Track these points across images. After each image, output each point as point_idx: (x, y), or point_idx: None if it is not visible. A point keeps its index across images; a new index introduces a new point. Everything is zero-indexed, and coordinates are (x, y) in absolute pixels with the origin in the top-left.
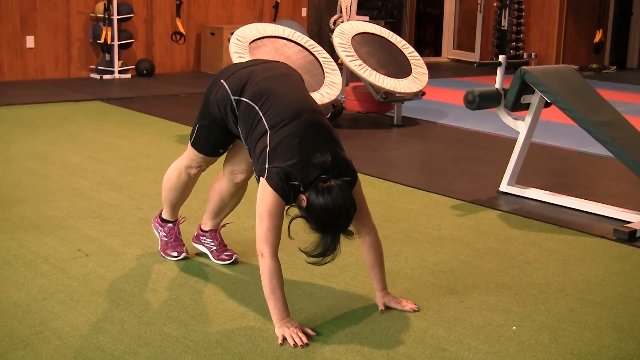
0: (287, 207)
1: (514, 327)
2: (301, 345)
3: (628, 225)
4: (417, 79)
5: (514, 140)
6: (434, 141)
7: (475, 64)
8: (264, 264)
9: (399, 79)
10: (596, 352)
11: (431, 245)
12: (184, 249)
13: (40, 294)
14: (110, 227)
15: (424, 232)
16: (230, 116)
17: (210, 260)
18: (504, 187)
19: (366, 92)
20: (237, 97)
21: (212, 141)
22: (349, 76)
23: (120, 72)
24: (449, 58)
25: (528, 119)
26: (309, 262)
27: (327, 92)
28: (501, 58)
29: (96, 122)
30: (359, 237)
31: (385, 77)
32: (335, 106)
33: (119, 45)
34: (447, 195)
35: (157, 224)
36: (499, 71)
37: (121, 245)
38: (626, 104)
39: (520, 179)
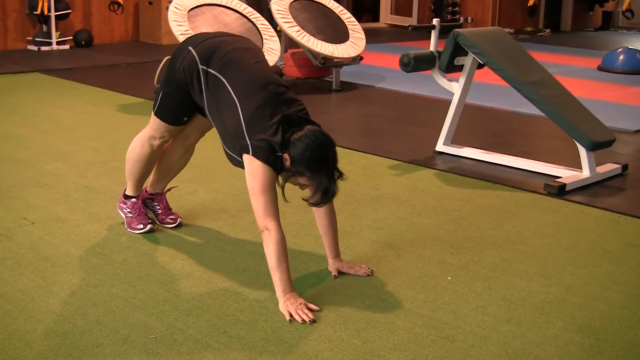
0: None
1: (449, 278)
2: (309, 321)
3: (558, 180)
4: (355, 44)
5: (449, 102)
6: (372, 104)
7: (409, 27)
8: (271, 237)
9: (337, 45)
10: (526, 297)
11: (370, 204)
12: (149, 221)
13: None
14: (55, 195)
15: (362, 192)
16: (196, 83)
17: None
18: (440, 147)
19: (305, 58)
20: (204, 67)
21: (176, 109)
22: (288, 42)
23: (58, 43)
24: (387, 23)
25: (462, 80)
26: (311, 205)
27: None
28: (435, 21)
29: (36, 93)
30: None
31: (323, 42)
32: (275, 72)
33: (56, 16)
34: (385, 156)
35: (121, 204)
36: (433, 34)
37: (66, 212)
38: (560, 66)
39: (455, 139)
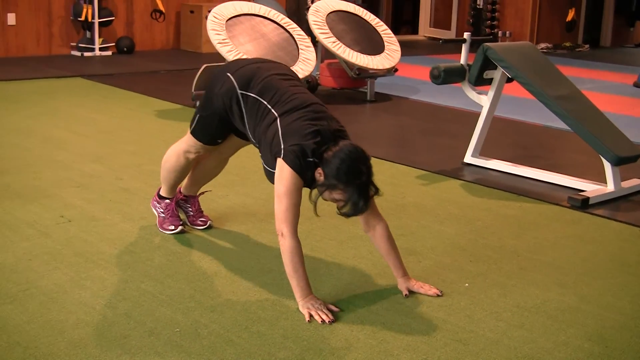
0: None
1: (467, 284)
2: (329, 321)
3: (582, 193)
4: (390, 55)
5: (479, 115)
6: (404, 116)
7: (440, 41)
8: (285, 243)
9: (372, 56)
10: (540, 305)
11: (394, 212)
12: (181, 222)
13: (26, 255)
14: (91, 195)
15: (389, 200)
16: (235, 108)
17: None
18: (467, 158)
19: (340, 69)
20: (243, 92)
21: (212, 132)
22: (324, 53)
23: (100, 49)
24: (425, 36)
25: (491, 93)
26: (341, 215)
27: (301, 69)
28: (466, 35)
29: (77, 97)
30: (367, 229)
31: (359, 53)
32: (310, 82)
33: (99, 22)
34: (414, 166)
35: (155, 202)
36: (464, 48)
37: (102, 212)
38: (595, 81)
39: (484, 151)
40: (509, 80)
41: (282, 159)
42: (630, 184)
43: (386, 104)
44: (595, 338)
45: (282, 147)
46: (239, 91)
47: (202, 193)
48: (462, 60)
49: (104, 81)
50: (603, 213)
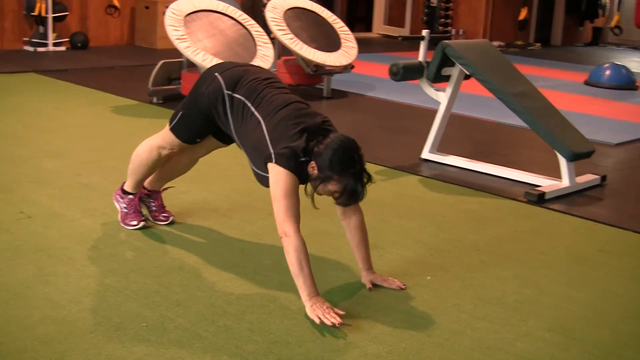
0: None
1: (429, 277)
2: (338, 324)
3: (538, 188)
4: (347, 52)
5: (436, 111)
6: (361, 112)
7: (399, 38)
8: (290, 243)
9: (329, 53)
10: (500, 297)
11: None
12: (143, 218)
13: None
14: (51, 191)
15: None
16: (220, 108)
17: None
18: (425, 154)
19: (297, 65)
20: (229, 92)
21: (193, 130)
22: (281, 50)
23: (54, 44)
24: (379, 33)
25: (448, 90)
26: (339, 204)
27: (259, 65)
28: (424, 32)
29: (32, 93)
30: (342, 217)
31: (316, 50)
32: None
33: (53, 17)
34: (372, 162)
35: (118, 197)
36: (422, 45)
37: (62, 208)
38: (548, 79)
39: (441, 147)
40: (467, 77)
41: (275, 163)
42: (584, 179)
43: (343, 101)
44: (555, 328)
45: (272, 152)
46: (226, 91)
47: (166, 189)
48: (421, 58)
49: (59, 77)
50: (559, 207)
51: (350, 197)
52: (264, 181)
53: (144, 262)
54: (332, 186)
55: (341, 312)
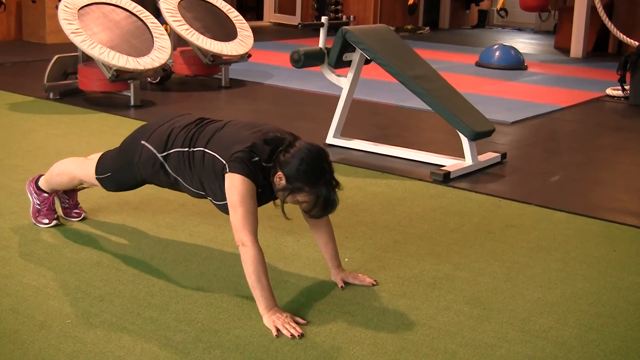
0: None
1: (346, 259)
2: (298, 335)
3: (443, 168)
4: (243, 42)
5: (337, 98)
6: (261, 101)
7: (299, 25)
8: (247, 253)
9: (226, 42)
10: (418, 275)
11: None
12: (56, 216)
13: None
14: None
15: None
16: (161, 172)
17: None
18: (330, 139)
19: (194, 56)
20: (164, 154)
21: (123, 187)
22: (177, 41)
23: None
24: (271, 22)
25: (350, 75)
26: (313, 217)
27: (157, 57)
28: (323, 19)
29: None
30: (306, 217)
31: (212, 40)
32: (165, 70)
33: None
34: None
35: (32, 189)
36: (322, 31)
37: None
38: (440, 62)
39: (345, 132)
40: (367, 62)
41: (229, 172)
42: (485, 157)
43: (241, 90)
44: (473, 301)
45: (224, 162)
46: (159, 155)
47: (83, 188)
48: (321, 44)
49: None
50: (464, 186)
51: (325, 207)
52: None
53: (61, 259)
54: (302, 197)
55: (302, 321)
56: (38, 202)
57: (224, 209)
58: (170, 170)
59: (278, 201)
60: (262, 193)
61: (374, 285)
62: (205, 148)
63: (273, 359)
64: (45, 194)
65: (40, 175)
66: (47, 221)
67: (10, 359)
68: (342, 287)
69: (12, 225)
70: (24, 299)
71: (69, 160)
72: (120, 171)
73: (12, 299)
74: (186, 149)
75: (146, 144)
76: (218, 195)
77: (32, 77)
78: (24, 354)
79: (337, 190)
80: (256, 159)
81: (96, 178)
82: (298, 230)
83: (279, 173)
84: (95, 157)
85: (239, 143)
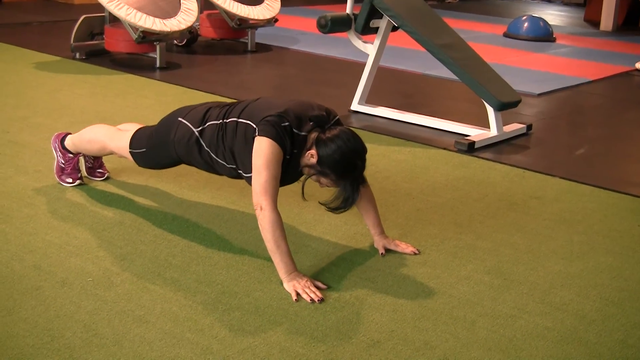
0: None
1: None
2: (318, 300)
3: (467, 137)
4: (270, 6)
5: (363, 65)
6: (287, 66)
7: None
8: (265, 217)
9: (252, 6)
10: (439, 243)
11: None
12: (79, 175)
13: None
14: None
15: None
16: (195, 148)
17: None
18: (355, 106)
19: (221, 19)
20: (200, 128)
21: (154, 164)
22: (204, 3)
23: None
24: None
25: (377, 42)
26: (329, 211)
27: (183, 19)
28: None
29: None
30: None
31: (239, 4)
32: (192, 32)
33: None
34: None
35: (57, 146)
36: None
37: None
38: (467, 32)
39: (370, 99)
40: (394, 29)
41: (258, 135)
42: (511, 128)
43: (268, 55)
44: (493, 271)
45: (255, 127)
46: (196, 130)
47: None
48: (348, 10)
49: None
50: (488, 156)
51: (344, 201)
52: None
53: (84, 218)
54: (325, 181)
55: (322, 286)
56: (63, 161)
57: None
58: (204, 145)
59: (303, 177)
60: (288, 164)
61: (415, 254)
62: (239, 118)
63: (292, 323)
64: (70, 155)
65: (68, 134)
66: (70, 180)
67: (32, 314)
68: (382, 253)
69: (36, 184)
70: (47, 256)
71: (101, 128)
72: (155, 148)
73: (35, 255)
74: (220, 121)
75: (183, 120)
76: (247, 166)
77: (58, 37)
78: (45, 310)
79: (363, 184)
80: (286, 123)
81: (129, 152)
82: (320, 195)
83: (313, 150)
84: (127, 127)
85: (272, 109)
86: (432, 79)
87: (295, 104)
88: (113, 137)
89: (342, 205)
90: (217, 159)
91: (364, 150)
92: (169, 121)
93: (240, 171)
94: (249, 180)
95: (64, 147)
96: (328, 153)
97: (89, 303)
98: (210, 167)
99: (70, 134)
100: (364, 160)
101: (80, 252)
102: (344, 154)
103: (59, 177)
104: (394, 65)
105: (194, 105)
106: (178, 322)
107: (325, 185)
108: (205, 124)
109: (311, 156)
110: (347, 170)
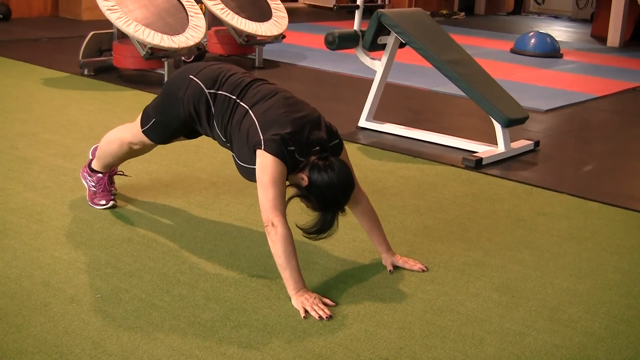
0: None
1: None
2: (326, 317)
3: (475, 154)
4: (278, 22)
5: (371, 81)
6: (294, 82)
7: (334, 7)
8: (276, 233)
9: (260, 23)
10: (447, 260)
11: None
12: (112, 197)
13: None
14: None
15: None
16: (203, 109)
17: None
18: (362, 122)
19: (228, 36)
20: (212, 91)
21: (167, 134)
22: (212, 20)
23: None
24: (306, 3)
25: (384, 58)
26: (305, 237)
27: (191, 35)
28: (359, 1)
29: None
30: (350, 205)
31: (247, 20)
32: (200, 49)
33: None
34: None
35: (85, 174)
36: (357, 13)
37: (2, 181)
38: (474, 48)
39: (377, 116)
40: (402, 45)
41: (263, 149)
42: (518, 144)
43: (275, 71)
44: (502, 288)
45: (262, 138)
46: (207, 91)
47: (118, 173)
48: (356, 27)
49: None
50: (496, 172)
51: (320, 229)
52: (250, 174)
53: (92, 234)
54: (309, 205)
55: (330, 303)
56: (93, 184)
57: (243, 171)
58: (212, 107)
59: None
60: None
61: (423, 271)
62: (251, 109)
63: (300, 340)
64: (100, 174)
65: (91, 161)
66: (104, 202)
67: (40, 331)
68: (390, 270)
69: (44, 200)
70: (55, 272)
71: (114, 129)
72: (163, 112)
73: (43, 272)
74: (234, 97)
75: (194, 78)
76: (243, 157)
77: (67, 53)
78: (54, 327)
79: (341, 215)
80: (292, 148)
81: (142, 132)
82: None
83: (305, 174)
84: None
85: (281, 125)
86: (440, 95)
87: (305, 123)
88: (126, 129)
89: (317, 234)
90: (216, 129)
91: (351, 188)
92: (178, 80)
93: (233, 155)
94: (239, 166)
95: (91, 170)
96: (318, 183)
97: (98, 320)
98: (209, 132)
99: (93, 159)
100: (349, 196)
101: (89, 268)
102: (332, 189)
103: (92, 201)
104: (402, 81)
105: (203, 62)
106: (186, 339)
107: (308, 207)
108: (218, 89)
109: (302, 179)
110: (330, 204)
